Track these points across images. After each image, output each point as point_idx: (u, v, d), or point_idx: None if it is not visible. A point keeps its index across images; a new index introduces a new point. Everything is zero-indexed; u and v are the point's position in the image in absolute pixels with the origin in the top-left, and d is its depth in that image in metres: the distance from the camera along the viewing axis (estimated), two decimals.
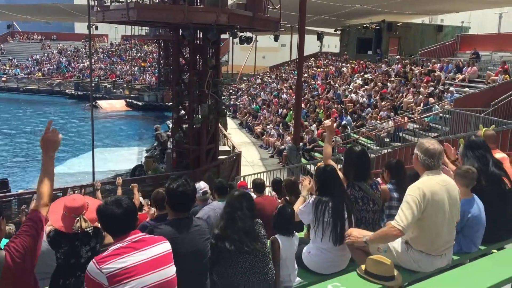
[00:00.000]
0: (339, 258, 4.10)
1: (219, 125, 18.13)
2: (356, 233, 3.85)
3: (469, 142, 4.78)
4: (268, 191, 9.53)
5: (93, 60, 49.70)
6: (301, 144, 16.87)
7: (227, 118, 26.99)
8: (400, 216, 3.50)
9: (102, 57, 58.57)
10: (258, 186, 6.75)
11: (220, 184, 6.43)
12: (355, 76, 26.99)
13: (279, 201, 6.78)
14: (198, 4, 14.85)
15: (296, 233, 4.16)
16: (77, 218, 3.60)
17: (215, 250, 3.61)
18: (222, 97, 17.49)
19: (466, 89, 17.31)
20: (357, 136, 17.14)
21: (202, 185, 5.58)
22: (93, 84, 32.12)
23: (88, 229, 3.66)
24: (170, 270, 2.83)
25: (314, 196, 4.17)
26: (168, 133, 22.03)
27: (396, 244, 3.81)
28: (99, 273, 2.62)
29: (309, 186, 4.62)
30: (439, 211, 3.59)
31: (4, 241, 3.55)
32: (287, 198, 6.44)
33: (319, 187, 4.24)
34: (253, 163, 19.55)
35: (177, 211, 3.52)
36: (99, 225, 3.76)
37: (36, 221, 2.66)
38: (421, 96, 17.48)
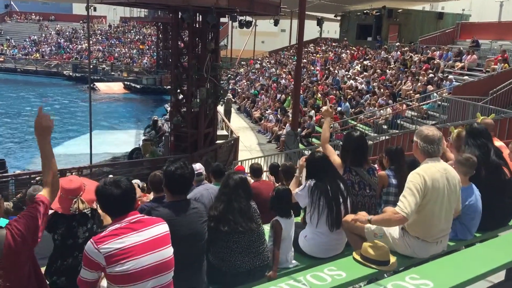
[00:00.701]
0: (335, 242, 4.14)
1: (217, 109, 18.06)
2: (364, 213, 3.92)
3: (471, 130, 4.71)
4: (265, 176, 9.54)
5: (91, 42, 49.31)
6: (299, 129, 16.87)
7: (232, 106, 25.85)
8: (403, 202, 3.50)
9: (100, 39, 58.13)
10: (256, 170, 6.73)
11: (218, 167, 6.42)
12: (354, 62, 26.90)
13: (277, 185, 6.80)
14: None
15: (293, 215, 4.19)
16: (75, 200, 3.61)
17: (210, 231, 3.64)
18: (221, 81, 17.42)
19: (466, 77, 17.29)
20: (355, 123, 17.15)
21: (197, 167, 5.64)
22: (91, 66, 31.90)
23: (85, 210, 3.68)
24: (168, 252, 2.84)
25: (309, 181, 4.20)
26: (166, 117, 21.98)
27: (392, 230, 3.83)
28: (97, 253, 2.64)
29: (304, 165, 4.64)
30: (438, 199, 3.60)
31: (3, 220, 3.57)
32: (284, 183, 6.46)
33: (308, 175, 4.30)
34: (250, 148, 19.56)
35: (174, 194, 3.53)
36: (95, 206, 3.79)
37: (40, 204, 2.71)
38: (419, 84, 17.45)
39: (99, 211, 3.90)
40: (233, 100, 28.48)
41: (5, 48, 54.56)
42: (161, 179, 5.22)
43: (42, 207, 2.71)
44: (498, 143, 5.35)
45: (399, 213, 3.46)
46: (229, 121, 22.57)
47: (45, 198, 2.77)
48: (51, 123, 2.84)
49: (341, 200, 4.09)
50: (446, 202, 3.66)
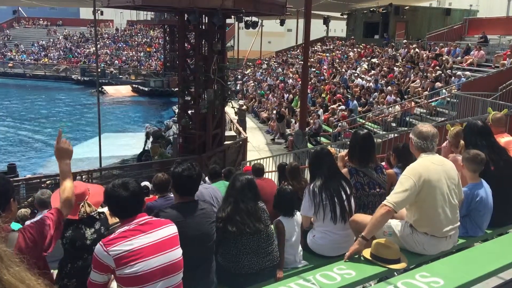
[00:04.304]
0: (343, 239, 4.13)
1: (228, 113, 18.03)
2: (352, 247, 3.60)
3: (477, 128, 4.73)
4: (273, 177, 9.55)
5: (98, 46, 49.58)
6: (307, 129, 16.84)
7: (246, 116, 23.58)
8: (391, 195, 3.54)
9: (107, 42, 58.45)
10: (258, 170, 6.98)
11: (213, 170, 7.19)
12: (361, 60, 26.79)
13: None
14: None
15: (298, 212, 4.20)
16: (81, 204, 3.66)
17: (219, 232, 3.65)
18: (228, 82, 17.44)
19: (467, 72, 17.16)
20: (364, 121, 17.10)
21: None
22: (99, 70, 32.04)
23: (93, 213, 3.72)
24: (176, 253, 2.85)
25: (305, 189, 4.27)
26: (174, 118, 21.97)
27: (401, 228, 3.82)
28: (106, 255, 2.66)
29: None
30: (437, 190, 3.59)
31: (16, 225, 3.62)
32: (290, 182, 6.48)
33: (310, 169, 4.42)
34: (259, 148, 19.55)
35: (182, 195, 3.54)
36: (101, 209, 3.83)
37: (53, 213, 2.82)
38: (428, 81, 17.35)
39: (105, 210, 3.95)
40: (245, 108, 26.50)
41: (14, 54, 55.03)
42: (162, 180, 5.33)
43: (56, 216, 2.80)
44: (508, 138, 5.31)
45: (385, 205, 3.49)
46: (245, 131, 21.75)
47: (59, 210, 2.88)
48: (70, 148, 3.11)
49: (344, 196, 4.12)
50: (447, 193, 3.64)
